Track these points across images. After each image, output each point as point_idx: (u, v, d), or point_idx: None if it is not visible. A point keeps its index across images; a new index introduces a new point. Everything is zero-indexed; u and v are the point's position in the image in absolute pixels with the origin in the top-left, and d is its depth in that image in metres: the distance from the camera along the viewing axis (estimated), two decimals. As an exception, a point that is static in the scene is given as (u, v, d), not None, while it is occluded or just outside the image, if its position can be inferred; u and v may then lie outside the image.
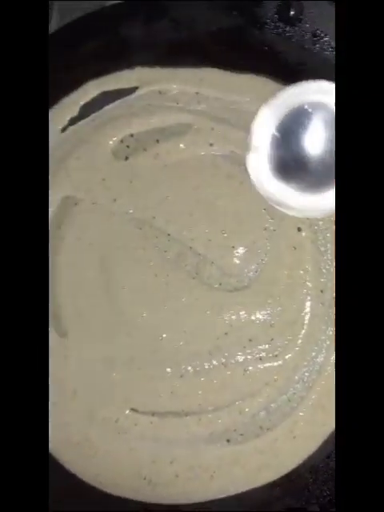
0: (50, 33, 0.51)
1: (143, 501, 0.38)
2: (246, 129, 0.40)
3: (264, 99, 0.40)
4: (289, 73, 0.40)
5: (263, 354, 0.39)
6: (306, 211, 0.36)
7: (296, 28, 0.39)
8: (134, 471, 0.39)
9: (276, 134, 0.35)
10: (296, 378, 0.38)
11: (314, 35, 0.39)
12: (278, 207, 0.37)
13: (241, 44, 0.40)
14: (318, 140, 0.34)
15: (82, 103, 0.43)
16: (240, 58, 0.41)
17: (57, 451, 0.40)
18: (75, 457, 0.39)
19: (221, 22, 0.40)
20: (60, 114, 0.43)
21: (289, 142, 0.35)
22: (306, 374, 0.39)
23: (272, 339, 0.39)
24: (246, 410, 0.38)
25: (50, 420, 0.39)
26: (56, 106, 0.43)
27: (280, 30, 0.40)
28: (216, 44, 0.41)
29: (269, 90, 0.40)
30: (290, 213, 0.37)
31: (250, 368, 0.39)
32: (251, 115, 0.40)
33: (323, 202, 0.35)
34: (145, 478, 0.39)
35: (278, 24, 0.39)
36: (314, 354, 0.38)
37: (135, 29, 0.41)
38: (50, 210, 0.42)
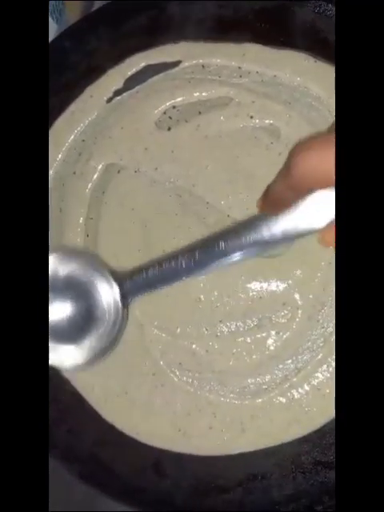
0: (94, 8, 0.54)
1: (178, 451, 0.41)
2: (285, 102, 0.42)
3: (303, 74, 0.42)
4: (329, 50, 0.42)
5: (297, 318, 0.41)
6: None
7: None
8: (170, 423, 0.41)
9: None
10: (331, 340, 0.40)
11: (355, 13, 0.41)
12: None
13: (283, 21, 0.42)
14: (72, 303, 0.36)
15: (127, 75, 0.45)
16: (282, 35, 0.42)
17: (96, 403, 0.42)
18: (115, 408, 0.42)
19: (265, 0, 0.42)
20: (105, 86, 0.45)
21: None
22: (337, 336, 0.41)
23: (305, 303, 0.41)
24: (278, 368, 0.41)
25: (91, 374, 0.42)
26: (102, 78, 0.45)
27: (322, 8, 0.41)
28: (259, 21, 0.42)
29: (308, 65, 0.42)
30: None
31: (283, 330, 0.41)
32: (291, 89, 0.43)
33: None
34: (180, 430, 0.41)
35: (319, 2, 0.41)
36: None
37: (181, 5, 0.43)
38: (94, 176, 0.44)
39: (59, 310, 0.35)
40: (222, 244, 0.32)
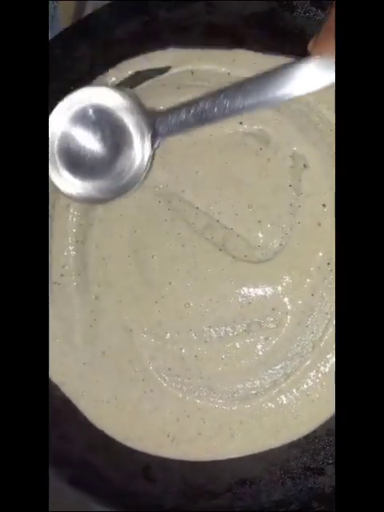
0: (85, 14, 0.54)
1: (167, 457, 0.41)
2: (275, 108, 0.42)
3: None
4: (318, 55, 0.42)
5: (286, 323, 0.41)
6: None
7: (326, 11, 0.41)
8: (159, 428, 0.41)
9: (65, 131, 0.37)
10: (321, 345, 0.40)
11: (344, 19, 0.41)
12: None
13: (273, 27, 0.42)
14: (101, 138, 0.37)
15: (116, 82, 0.45)
16: (271, 41, 0.42)
17: (86, 409, 0.42)
18: (104, 414, 0.42)
19: (254, 5, 0.42)
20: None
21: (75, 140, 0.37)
22: (329, 342, 0.40)
23: (294, 309, 0.41)
24: (267, 374, 0.41)
25: (81, 380, 0.42)
26: (92, 84, 0.45)
27: (311, 13, 0.41)
28: (249, 27, 0.42)
29: (298, 71, 0.42)
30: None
31: (273, 335, 0.41)
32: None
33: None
34: (168, 436, 0.41)
35: (309, 8, 0.41)
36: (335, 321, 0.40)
37: (171, 11, 0.43)
38: (84, 182, 0.45)
39: (87, 140, 0.36)
40: (259, 93, 0.34)
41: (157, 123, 0.36)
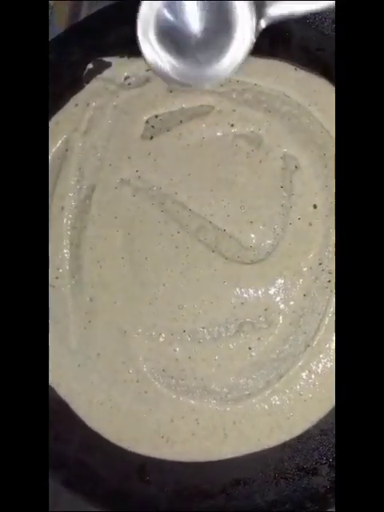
0: (79, 19, 0.55)
1: (162, 458, 0.41)
2: (266, 110, 0.43)
3: (283, 82, 0.43)
4: (308, 57, 0.42)
5: (279, 324, 0.41)
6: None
7: (316, 15, 0.41)
8: (153, 430, 0.41)
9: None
10: (313, 345, 0.40)
11: (334, 21, 0.41)
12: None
13: (263, 30, 0.42)
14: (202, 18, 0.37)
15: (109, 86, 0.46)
16: (262, 44, 0.42)
17: (81, 410, 0.42)
18: (98, 415, 0.42)
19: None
20: (89, 95, 0.46)
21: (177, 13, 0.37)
22: (321, 343, 0.40)
23: (286, 309, 0.41)
24: (260, 374, 0.41)
25: (76, 382, 0.43)
26: (85, 88, 0.46)
27: (301, 17, 0.42)
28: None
29: (288, 73, 0.43)
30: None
31: (265, 336, 0.41)
32: (271, 97, 0.43)
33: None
34: (163, 437, 0.41)
35: (299, 11, 0.42)
36: (327, 321, 0.40)
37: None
38: (78, 185, 0.45)
39: (189, 16, 0.36)
40: None
41: (267, 5, 0.35)
